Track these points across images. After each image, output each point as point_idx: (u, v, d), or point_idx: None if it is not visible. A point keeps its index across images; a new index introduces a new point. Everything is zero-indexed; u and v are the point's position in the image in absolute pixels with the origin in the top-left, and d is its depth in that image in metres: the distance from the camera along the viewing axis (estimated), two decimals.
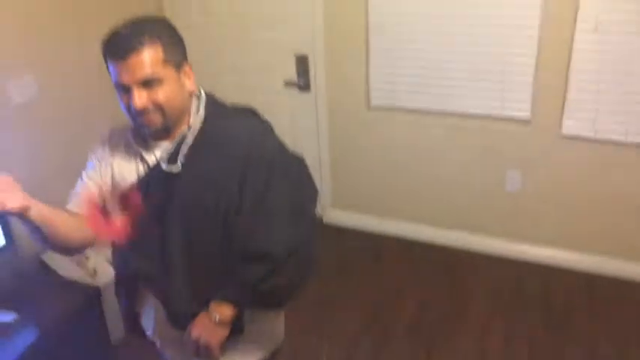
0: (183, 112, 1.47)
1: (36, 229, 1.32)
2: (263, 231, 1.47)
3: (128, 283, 1.65)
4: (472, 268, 2.94)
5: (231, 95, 3.54)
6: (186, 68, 1.47)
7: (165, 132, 1.46)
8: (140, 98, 1.36)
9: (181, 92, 1.44)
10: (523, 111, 2.72)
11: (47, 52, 2.51)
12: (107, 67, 1.39)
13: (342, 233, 3.30)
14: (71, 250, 1.50)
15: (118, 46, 1.35)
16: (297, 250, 1.50)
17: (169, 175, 1.46)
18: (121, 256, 1.62)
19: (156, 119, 1.40)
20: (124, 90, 1.37)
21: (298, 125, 3.23)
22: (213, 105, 1.55)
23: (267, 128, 1.61)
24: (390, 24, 2.82)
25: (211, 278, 1.52)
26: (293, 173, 1.58)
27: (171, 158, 1.46)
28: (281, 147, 1.59)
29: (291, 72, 3.09)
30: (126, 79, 1.35)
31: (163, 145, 1.48)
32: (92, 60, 2.63)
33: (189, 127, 1.48)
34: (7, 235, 2.12)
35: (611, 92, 2.54)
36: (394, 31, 2.83)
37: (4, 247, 2.13)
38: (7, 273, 2.30)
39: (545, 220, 2.88)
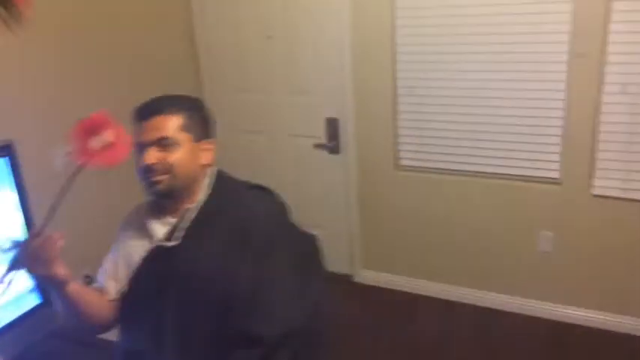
0: (193, 183, 1.51)
1: (68, 302, 1.40)
2: (258, 314, 1.44)
3: (126, 358, 1.61)
4: (506, 328, 2.89)
5: (261, 157, 3.65)
6: (206, 144, 1.53)
7: (170, 196, 1.49)
8: (151, 155, 1.42)
9: (194, 161, 1.49)
10: (553, 171, 2.74)
11: None
12: (133, 131, 1.46)
13: (374, 293, 3.28)
14: (97, 328, 1.59)
15: (145, 110, 1.47)
16: (296, 333, 1.46)
17: (168, 251, 1.48)
18: (121, 331, 1.62)
19: (164, 179, 1.44)
20: (140, 150, 1.44)
21: (328, 186, 3.29)
22: (222, 182, 1.57)
23: (275, 207, 1.60)
24: (418, 86, 2.91)
25: (204, 359, 1.49)
26: (297, 254, 1.56)
27: (171, 234, 1.49)
28: (287, 226, 1.60)
29: (321, 134, 3.18)
30: (144, 137, 1.44)
31: (168, 222, 1.52)
32: None
33: (191, 205, 1.51)
34: (44, 293, 2.16)
35: None
36: (423, 93, 2.92)
37: (40, 306, 2.17)
38: (42, 332, 2.33)
39: (578, 281, 2.83)
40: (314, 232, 1.63)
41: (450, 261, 3.12)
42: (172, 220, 1.51)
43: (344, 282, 3.39)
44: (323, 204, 3.35)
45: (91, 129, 1.30)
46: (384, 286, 3.31)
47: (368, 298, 3.24)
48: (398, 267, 3.27)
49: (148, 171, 1.43)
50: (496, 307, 3.02)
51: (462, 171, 2.94)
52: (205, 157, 1.53)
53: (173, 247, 1.47)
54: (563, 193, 2.74)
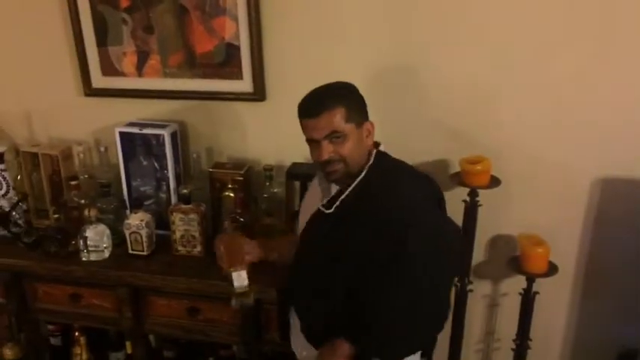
0: (361, 165, 1.70)
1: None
2: (383, 299, 1.58)
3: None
4: None
5: None
6: (368, 126, 1.71)
7: (345, 178, 1.70)
8: (326, 151, 1.64)
9: (360, 147, 1.69)
10: None
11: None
12: (300, 124, 1.69)
13: None
14: None
15: (311, 107, 1.65)
16: (414, 323, 1.60)
17: (326, 215, 1.72)
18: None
19: (339, 168, 1.67)
20: (314, 143, 1.67)
21: None
22: (381, 163, 1.73)
23: (428, 196, 1.72)
24: None
25: (342, 311, 1.67)
26: (436, 247, 1.60)
27: (330, 203, 1.72)
28: (435, 218, 1.68)
29: None
30: (315, 134, 1.64)
31: (336, 189, 1.75)
32: None
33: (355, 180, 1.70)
34: None
35: None
36: None
37: None
38: None
39: None
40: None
41: None
42: (335, 189, 1.76)
43: None
44: None
45: None
46: None
47: None
48: None
49: (324, 163, 1.67)
50: None
51: None
52: (369, 139, 1.73)
53: (328, 213, 1.71)
54: None
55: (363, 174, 1.71)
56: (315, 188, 1.91)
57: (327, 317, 1.72)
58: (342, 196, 1.70)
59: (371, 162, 1.72)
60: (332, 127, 1.63)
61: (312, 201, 1.86)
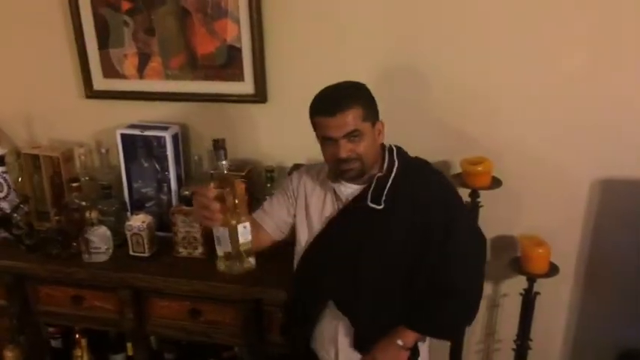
0: (375, 161, 1.75)
1: None
2: (457, 268, 1.68)
3: (310, 299, 1.84)
4: None
5: None
6: (379, 125, 1.74)
7: (359, 177, 1.73)
8: (345, 149, 1.65)
9: (374, 145, 1.72)
10: None
11: None
12: (312, 122, 1.70)
13: None
14: None
15: (328, 107, 1.64)
16: (481, 288, 1.76)
17: (370, 211, 1.70)
18: (311, 275, 1.84)
19: (355, 166, 1.69)
20: (328, 142, 1.67)
21: None
22: (403, 156, 1.81)
23: (444, 177, 1.84)
24: None
25: (397, 305, 1.73)
26: (470, 218, 1.89)
27: (374, 197, 1.71)
28: (458, 195, 1.83)
29: None
30: (334, 133, 1.64)
31: (353, 186, 1.77)
32: None
33: (382, 173, 1.74)
34: None
35: None
36: None
37: None
38: None
39: None
40: None
41: None
42: (353, 185, 1.77)
43: None
44: None
45: None
46: None
47: None
48: None
49: (340, 162, 1.67)
50: None
51: None
52: (381, 137, 1.75)
53: (374, 209, 1.70)
54: None
55: (395, 166, 1.76)
56: (311, 188, 1.88)
57: (390, 314, 1.74)
58: (386, 190, 1.73)
59: (395, 155, 1.79)
60: (351, 125, 1.63)
61: (319, 200, 1.85)
